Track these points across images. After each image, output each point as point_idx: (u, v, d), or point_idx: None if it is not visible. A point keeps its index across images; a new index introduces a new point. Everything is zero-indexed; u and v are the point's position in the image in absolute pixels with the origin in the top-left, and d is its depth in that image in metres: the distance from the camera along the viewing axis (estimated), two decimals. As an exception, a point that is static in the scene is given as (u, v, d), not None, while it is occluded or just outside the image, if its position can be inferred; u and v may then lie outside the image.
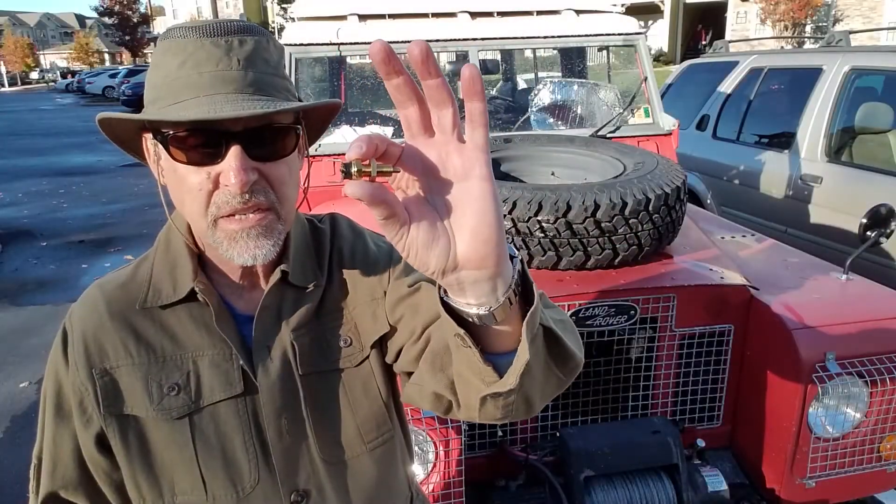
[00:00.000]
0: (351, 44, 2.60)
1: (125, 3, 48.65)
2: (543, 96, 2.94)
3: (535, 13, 2.84)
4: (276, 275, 0.84)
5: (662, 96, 3.42)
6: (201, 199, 0.74)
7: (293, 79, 2.59)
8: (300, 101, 0.79)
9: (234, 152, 0.72)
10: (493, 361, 0.60)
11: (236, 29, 0.75)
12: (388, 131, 2.80)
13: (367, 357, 0.87)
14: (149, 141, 0.79)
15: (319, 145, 2.57)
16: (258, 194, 0.74)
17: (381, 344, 0.87)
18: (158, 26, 52.73)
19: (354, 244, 0.92)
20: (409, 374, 0.83)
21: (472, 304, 0.56)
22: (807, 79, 4.06)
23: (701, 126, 4.88)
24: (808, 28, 20.28)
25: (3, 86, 52.00)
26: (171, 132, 0.73)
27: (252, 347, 0.83)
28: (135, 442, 0.81)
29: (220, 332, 0.82)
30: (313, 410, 0.84)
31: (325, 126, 0.90)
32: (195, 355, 0.82)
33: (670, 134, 2.82)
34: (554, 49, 3.69)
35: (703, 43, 21.39)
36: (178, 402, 0.81)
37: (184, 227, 0.85)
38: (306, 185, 2.52)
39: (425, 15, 2.78)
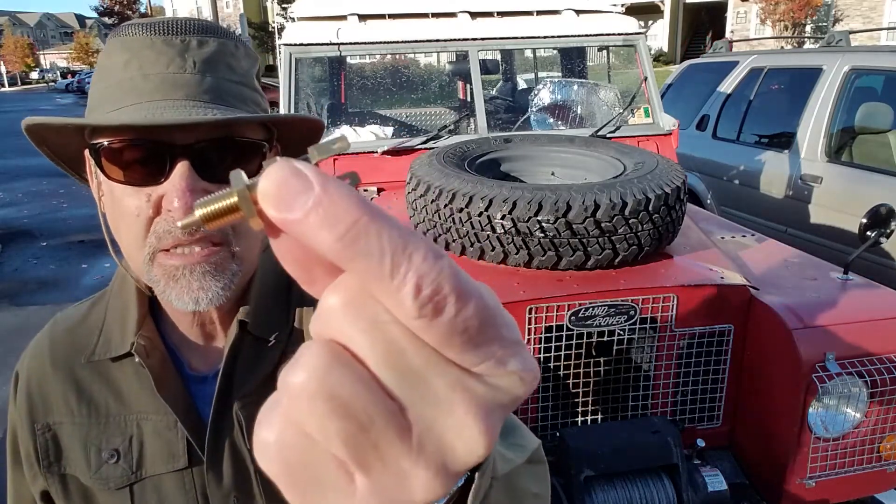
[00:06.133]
0: (351, 44, 2.60)
1: (125, 3, 48.64)
2: (543, 96, 2.94)
3: (535, 13, 2.84)
4: (235, 327, 0.70)
5: (662, 96, 3.41)
6: (138, 227, 0.61)
7: (293, 79, 2.59)
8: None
9: (180, 170, 0.59)
10: None
11: (197, 28, 0.63)
12: (388, 131, 2.80)
13: None
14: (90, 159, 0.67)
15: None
16: None
17: None
18: (158, 26, 52.65)
19: None
20: None
21: None
22: (807, 79, 4.06)
23: (701, 126, 4.88)
24: (808, 28, 20.28)
25: (3, 86, 51.99)
26: (105, 143, 0.60)
27: (208, 418, 0.69)
28: (79, 503, 0.73)
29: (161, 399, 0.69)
30: (267, 488, 0.71)
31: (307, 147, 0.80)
32: (139, 418, 0.71)
33: (670, 134, 2.82)
34: (554, 49, 3.68)
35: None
36: (116, 471, 0.70)
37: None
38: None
39: (425, 15, 2.78)
